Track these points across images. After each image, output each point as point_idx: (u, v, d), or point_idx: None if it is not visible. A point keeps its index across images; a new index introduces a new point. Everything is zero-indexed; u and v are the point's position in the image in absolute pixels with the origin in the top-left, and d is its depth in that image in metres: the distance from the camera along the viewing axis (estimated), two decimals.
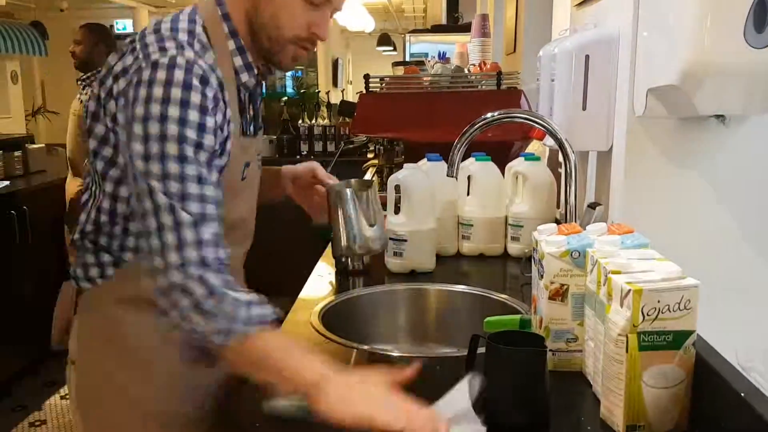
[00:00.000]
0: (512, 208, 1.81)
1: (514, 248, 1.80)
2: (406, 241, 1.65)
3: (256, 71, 1.13)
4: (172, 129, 0.95)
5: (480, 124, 1.43)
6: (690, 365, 0.89)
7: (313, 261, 1.82)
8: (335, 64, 12.19)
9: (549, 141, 1.52)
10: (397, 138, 2.60)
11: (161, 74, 0.96)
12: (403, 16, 11.64)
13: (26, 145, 3.96)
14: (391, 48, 11.58)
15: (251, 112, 1.17)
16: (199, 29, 1.05)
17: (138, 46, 1.02)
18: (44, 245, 3.50)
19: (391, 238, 1.66)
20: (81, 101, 3.35)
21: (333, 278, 1.70)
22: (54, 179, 3.82)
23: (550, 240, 1.06)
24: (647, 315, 0.86)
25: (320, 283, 1.65)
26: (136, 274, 1.03)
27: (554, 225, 1.13)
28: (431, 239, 1.69)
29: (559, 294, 1.05)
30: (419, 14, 11.38)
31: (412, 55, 5.31)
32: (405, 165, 1.74)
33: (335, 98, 5.64)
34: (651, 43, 1.21)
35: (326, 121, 4.87)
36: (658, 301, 0.86)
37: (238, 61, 1.10)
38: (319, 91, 5.30)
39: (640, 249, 1.00)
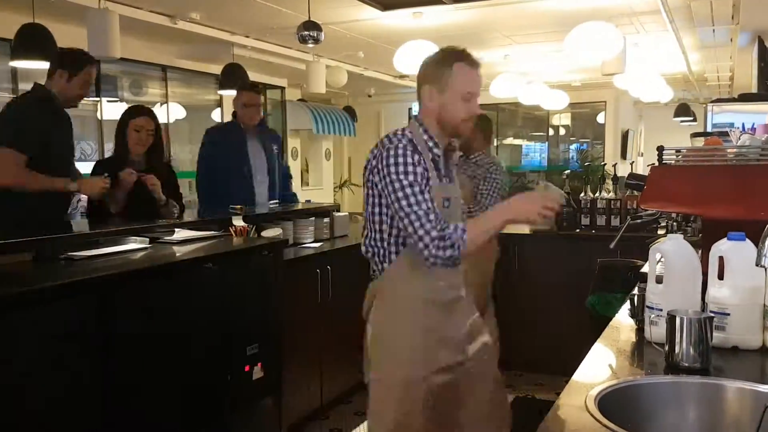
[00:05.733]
0: None
1: None
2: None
3: (441, 145, 2.01)
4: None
5: None
6: None
7: (582, 337, 1.73)
8: (625, 136, 11.72)
9: None
10: (695, 213, 2.38)
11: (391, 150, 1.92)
12: (705, 84, 10.79)
13: (333, 213, 4.50)
14: (690, 118, 10.78)
15: (443, 169, 2.03)
16: (408, 134, 1.98)
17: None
18: (341, 301, 3.89)
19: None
20: None
21: (613, 361, 1.58)
22: (353, 243, 4.27)
23: None
24: None
25: (596, 366, 1.55)
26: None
27: None
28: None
29: None
30: (724, 82, 10.44)
31: (714, 125, 4.86)
32: (669, 235, 1.61)
33: (623, 171, 5.40)
34: None
35: (611, 195, 4.66)
36: None
37: (430, 143, 1.99)
38: (605, 164, 5.12)
39: None
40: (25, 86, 5.74)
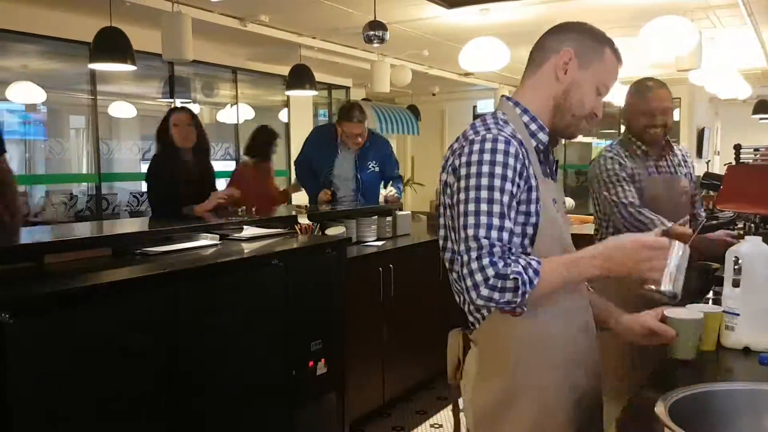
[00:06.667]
0: None
1: None
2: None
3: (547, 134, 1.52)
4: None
5: None
6: None
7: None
8: (700, 134, 11.27)
9: None
10: None
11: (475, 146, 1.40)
12: None
13: (396, 211, 4.51)
14: None
15: (547, 164, 1.55)
16: (500, 115, 1.50)
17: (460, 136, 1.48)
18: (403, 299, 3.90)
19: None
20: None
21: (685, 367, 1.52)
22: (415, 242, 4.27)
23: None
24: None
25: (668, 371, 1.50)
26: None
27: None
28: None
29: None
30: None
31: None
32: (746, 237, 1.54)
33: (698, 170, 5.19)
34: None
35: None
36: None
37: (533, 126, 1.50)
38: None
39: None
40: (103, 88, 6.04)
